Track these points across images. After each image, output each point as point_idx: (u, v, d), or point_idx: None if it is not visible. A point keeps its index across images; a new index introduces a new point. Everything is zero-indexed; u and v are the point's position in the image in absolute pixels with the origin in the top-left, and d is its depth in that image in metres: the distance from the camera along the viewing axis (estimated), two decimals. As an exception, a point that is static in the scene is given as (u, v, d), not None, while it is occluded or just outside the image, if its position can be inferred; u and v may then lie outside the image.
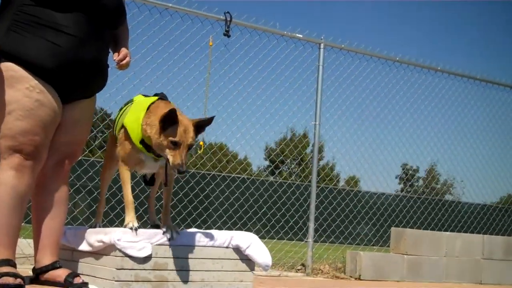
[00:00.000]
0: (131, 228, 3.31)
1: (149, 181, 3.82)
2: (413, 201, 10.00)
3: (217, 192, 7.78)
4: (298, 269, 6.67)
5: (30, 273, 3.45)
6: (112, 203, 5.85)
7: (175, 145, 3.20)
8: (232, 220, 7.86)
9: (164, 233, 3.41)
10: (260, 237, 3.82)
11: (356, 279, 6.13)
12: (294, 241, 7.82)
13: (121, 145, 3.51)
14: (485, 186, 9.21)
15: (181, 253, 3.47)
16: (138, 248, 3.31)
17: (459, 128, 8.95)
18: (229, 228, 6.41)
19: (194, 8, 6.09)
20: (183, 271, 3.46)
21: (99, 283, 3.35)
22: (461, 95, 8.61)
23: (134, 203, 3.47)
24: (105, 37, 3.45)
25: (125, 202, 3.42)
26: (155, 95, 3.67)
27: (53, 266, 3.32)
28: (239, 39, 6.61)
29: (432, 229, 8.04)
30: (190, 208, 7.01)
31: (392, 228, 6.69)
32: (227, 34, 6.21)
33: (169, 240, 3.41)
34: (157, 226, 3.69)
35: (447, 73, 8.02)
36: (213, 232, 3.68)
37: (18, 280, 3.02)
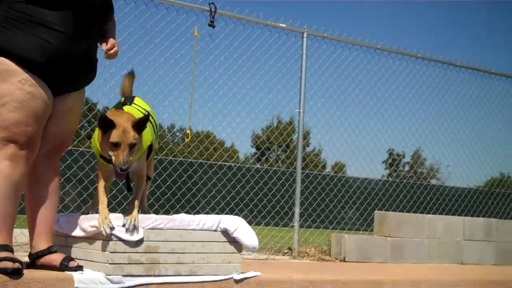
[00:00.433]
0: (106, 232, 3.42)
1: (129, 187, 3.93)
2: (396, 185, 10.22)
3: (205, 179, 7.94)
4: (285, 253, 6.85)
5: (26, 259, 3.58)
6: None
7: (116, 146, 3.40)
8: (220, 206, 8.03)
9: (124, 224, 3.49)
10: (247, 223, 3.98)
11: (341, 261, 6.32)
12: (280, 227, 8.01)
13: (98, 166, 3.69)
14: (471, 170, 9.43)
15: (172, 237, 3.62)
16: (130, 231, 3.45)
17: (441, 114, 9.18)
18: (217, 214, 6.56)
19: (179, -1, 6.22)
20: (173, 253, 3.62)
21: (93, 266, 3.48)
22: (441, 82, 8.82)
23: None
24: (94, 33, 3.57)
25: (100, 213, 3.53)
26: (125, 99, 3.86)
27: (48, 251, 3.45)
28: (224, 30, 6.74)
29: (416, 212, 8.23)
30: (178, 195, 7.15)
31: (376, 212, 6.88)
32: (211, 24, 6.34)
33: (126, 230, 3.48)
34: (144, 213, 3.82)
35: (427, 60, 8.20)
36: (202, 216, 3.83)
37: (17, 265, 3.15)
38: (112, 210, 3.66)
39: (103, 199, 3.58)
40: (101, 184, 3.66)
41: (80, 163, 6.52)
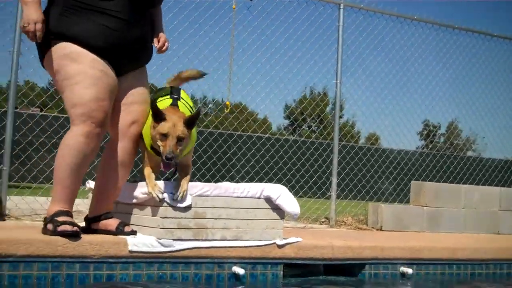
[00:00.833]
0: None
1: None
2: (432, 156, 10.23)
3: (244, 149, 8.08)
4: (322, 222, 7.00)
5: (83, 225, 3.81)
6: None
7: (165, 137, 3.56)
8: (259, 176, 8.20)
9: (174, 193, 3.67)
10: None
11: (377, 230, 6.45)
12: (315, 198, 8.14)
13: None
14: (509, 141, 9.39)
15: (218, 203, 3.80)
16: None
17: (478, 84, 9.11)
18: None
19: (218, -27, 6.33)
20: (220, 219, 3.80)
21: (144, 231, 3.69)
22: (478, 52, 8.74)
23: None
24: (147, 16, 3.75)
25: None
26: (172, 91, 3.99)
27: (105, 216, 3.67)
28: (261, 2, 6.84)
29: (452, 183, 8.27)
30: (219, 165, 7.35)
31: (412, 182, 6.97)
32: (249, -3, 6.45)
33: (172, 199, 3.65)
34: None
35: (464, 31, 8.15)
36: (246, 184, 3.99)
37: (75, 228, 3.37)
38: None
39: (150, 173, 3.74)
40: (148, 168, 3.79)
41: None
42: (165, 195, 3.61)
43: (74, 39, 3.47)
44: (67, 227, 3.34)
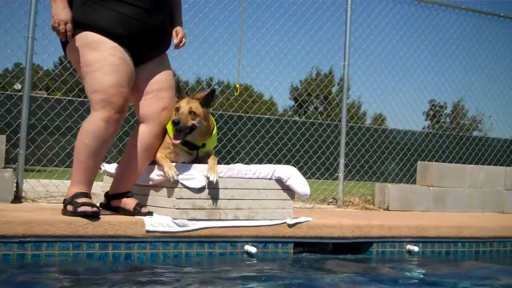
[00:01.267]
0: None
1: None
2: (439, 136, 10.32)
3: (253, 131, 8.21)
4: (330, 202, 7.13)
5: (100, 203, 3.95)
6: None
7: (177, 111, 3.79)
8: (268, 158, 8.35)
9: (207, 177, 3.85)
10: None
11: (384, 209, 6.58)
12: (323, 179, 8.26)
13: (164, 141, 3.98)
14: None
15: (231, 184, 3.93)
16: (194, 180, 3.78)
17: (484, 64, 9.16)
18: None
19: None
20: (232, 200, 3.93)
21: (160, 212, 3.83)
22: (485, 32, 8.79)
23: None
24: (166, 5, 3.86)
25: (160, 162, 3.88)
26: None
27: (126, 195, 3.81)
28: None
29: (458, 164, 8.38)
30: (228, 147, 7.47)
31: (419, 162, 7.09)
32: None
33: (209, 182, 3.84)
34: None
35: (472, 11, 8.20)
36: (257, 166, 4.13)
37: (95, 209, 3.52)
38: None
39: (163, 157, 3.87)
40: (162, 152, 3.92)
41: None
42: (180, 179, 3.75)
43: (95, 27, 3.59)
44: (87, 208, 3.49)
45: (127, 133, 3.98)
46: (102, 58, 3.58)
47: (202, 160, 3.98)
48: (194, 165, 3.87)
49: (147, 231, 3.63)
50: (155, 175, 3.89)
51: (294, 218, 4.16)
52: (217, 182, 3.83)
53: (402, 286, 3.57)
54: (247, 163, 4.54)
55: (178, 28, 4.02)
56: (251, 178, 4.03)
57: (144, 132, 3.82)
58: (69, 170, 3.96)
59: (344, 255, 4.36)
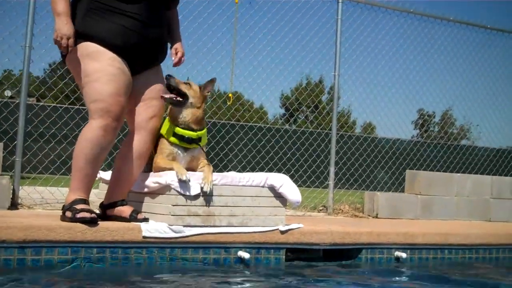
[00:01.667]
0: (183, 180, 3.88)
1: None
2: (427, 145, 10.47)
3: (245, 140, 8.32)
4: (320, 210, 7.25)
5: (97, 212, 4.04)
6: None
7: (168, 87, 4.07)
8: (259, 166, 8.46)
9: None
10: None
11: (373, 217, 6.71)
12: (313, 187, 8.38)
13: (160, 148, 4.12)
14: (501, 131, 9.62)
15: (225, 192, 4.05)
16: (189, 187, 3.89)
17: (472, 75, 9.31)
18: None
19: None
20: (226, 207, 4.05)
21: (156, 218, 3.93)
22: (472, 44, 8.96)
23: None
24: (163, 18, 4.01)
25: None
26: None
27: (121, 203, 3.92)
28: (263, -3, 7.06)
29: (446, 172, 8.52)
30: (221, 155, 7.58)
31: (407, 171, 7.23)
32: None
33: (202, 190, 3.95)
34: None
35: (459, 23, 8.37)
36: (251, 174, 4.25)
37: (93, 215, 3.62)
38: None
39: (168, 161, 4.00)
40: (164, 159, 4.06)
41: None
42: (176, 184, 3.86)
43: (95, 38, 3.72)
44: (86, 214, 3.59)
45: (122, 141, 4.08)
46: (102, 69, 3.70)
47: (195, 160, 4.11)
48: (191, 172, 3.98)
49: (144, 237, 3.73)
50: (151, 182, 3.99)
51: (286, 225, 4.27)
52: (211, 190, 3.94)
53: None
54: (239, 171, 4.67)
55: (178, 46, 4.17)
56: (244, 186, 4.14)
57: (136, 141, 3.93)
58: (64, 178, 4.07)
59: (335, 261, 4.48)
